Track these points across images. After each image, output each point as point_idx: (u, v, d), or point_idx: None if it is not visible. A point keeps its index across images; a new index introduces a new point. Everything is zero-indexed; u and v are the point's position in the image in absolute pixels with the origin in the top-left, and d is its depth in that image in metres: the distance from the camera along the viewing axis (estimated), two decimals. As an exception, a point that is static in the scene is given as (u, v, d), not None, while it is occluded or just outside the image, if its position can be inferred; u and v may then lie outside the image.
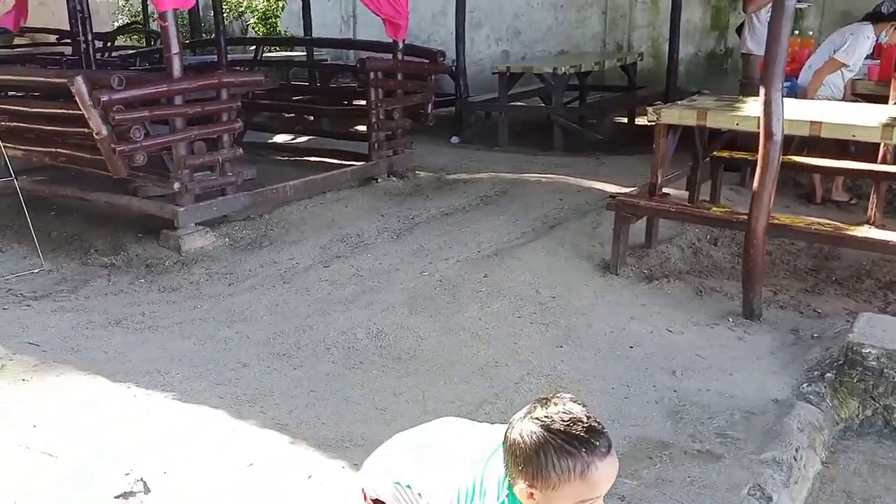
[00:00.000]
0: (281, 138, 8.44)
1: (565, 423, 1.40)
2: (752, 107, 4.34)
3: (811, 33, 7.56)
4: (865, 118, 4.20)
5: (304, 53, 10.49)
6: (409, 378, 3.36)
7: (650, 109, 4.62)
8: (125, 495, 2.50)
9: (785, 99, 3.81)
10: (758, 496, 2.48)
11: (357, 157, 6.63)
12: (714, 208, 4.71)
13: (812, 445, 2.86)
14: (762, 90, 3.67)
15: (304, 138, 8.24)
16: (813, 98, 5.71)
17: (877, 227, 4.84)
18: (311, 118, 8.31)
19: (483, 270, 4.45)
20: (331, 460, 2.72)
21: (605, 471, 1.40)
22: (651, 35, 11.44)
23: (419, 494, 1.61)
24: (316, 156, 7.20)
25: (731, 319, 3.91)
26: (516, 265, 4.52)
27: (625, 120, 9.23)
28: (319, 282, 4.44)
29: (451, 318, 3.91)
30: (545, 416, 1.41)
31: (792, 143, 5.29)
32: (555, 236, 5.01)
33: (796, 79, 5.96)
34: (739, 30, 8.11)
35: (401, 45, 6.59)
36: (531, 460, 1.39)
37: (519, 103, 8.87)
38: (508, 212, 5.61)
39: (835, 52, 5.69)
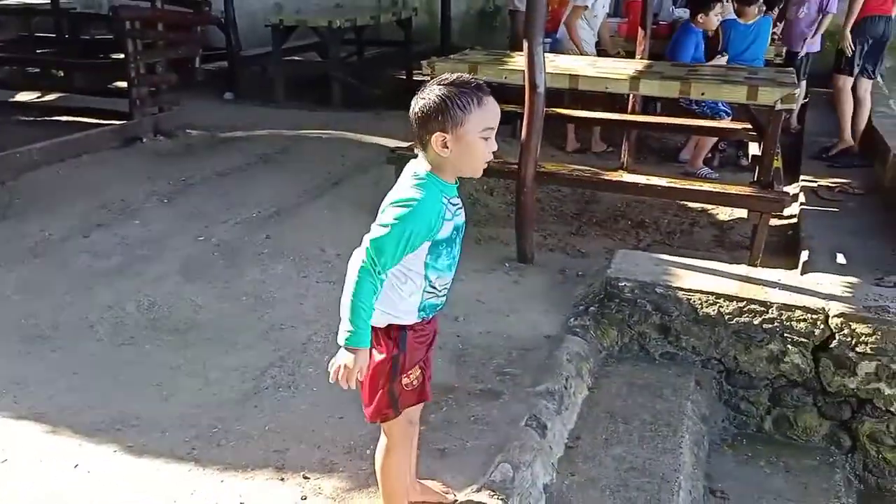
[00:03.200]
0: (25, 96, 7.48)
1: (454, 78, 1.79)
2: (519, 61, 4.54)
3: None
4: (616, 71, 4.57)
5: (48, 1, 9.32)
6: (187, 350, 3.17)
7: (425, 63, 4.69)
8: None
9: (547, 54, 4.03)
10: (534, 426, 2.65)
11: (118, 116, 6.06)
12: (488, 159, 4.90)
13: (580, 374, 3.11)
14: (525, 45, 3.83)
15: (53, 96, 7.37)
16: (578, 46, 6.10)
17: (629, 171, 5.34)
18: (61, 73, 7.44)
19: (264, 232, 4.29)
20: (100, 446, 2.50)
21: (494, 103, 1.81)
22: (424, -9, 11.58)
23: None
24: (69, 115, 6.46)
25: (507, 264, 4.12)
26: (300, 224, 4.41)
27: (403, 75, 9.29)
28: (78, 254, 4.01)
29: (232, 284, 3.73)
30: (439, 81, 1.80)
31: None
32: (338, 193, 4.95)
33: (556, 34, 6.34)
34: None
35: (160, -7, 6.08)
36: (440, 108, 1.76)
37: (295, 58, 8.59)
38: (289, 170, 5.44)
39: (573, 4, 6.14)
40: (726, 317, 3.26)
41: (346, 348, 1.84)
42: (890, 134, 5.63)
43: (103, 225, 4.39)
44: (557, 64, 4.77)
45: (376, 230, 1.80)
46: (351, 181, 5.20)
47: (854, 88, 5.96)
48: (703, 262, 3.72)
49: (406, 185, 1.83)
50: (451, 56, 5.19)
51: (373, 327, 1.88)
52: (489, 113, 1.79)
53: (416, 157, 1.88)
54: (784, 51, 6.75)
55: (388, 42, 9.97)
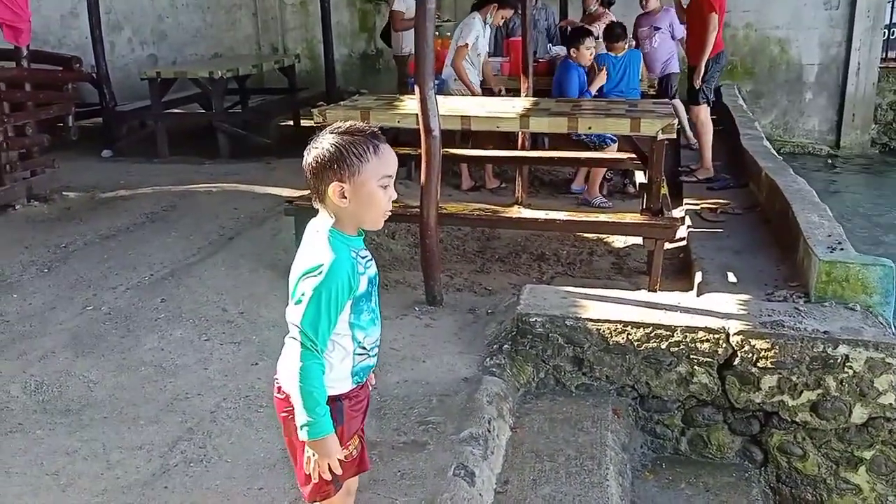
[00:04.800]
0: None
1: (348, 126, 1.76)
2: (411, 105, 4.57)
3: (449, 34, 8.20)
4: (506, 110, 4.67)
5: None
6: (83, 431, 2.93)
7: (315, 111, 4.63)
8: None
9: (438, 96, 4.07)
10: (462, 475, 2.60)
11: (-14, 183, 5.64)
12: (388, 204, 4.88)
13: (501, 415, 3.10)
14: (417, 91, 3.86)
15: None
16: (469, 87, 6.23)
17: (524, 206, 5.45)
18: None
19: (159, 295, 4.08)
20: (-7, 552, 2.26)
21: (390, 150, 1.77)
22: (304, 37, 11.58)
23: None
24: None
25: (417, 308, 4.08)
26: (196, 284, 4.22)
27: (290, 122, 9.18)
28: (-50, 337, 3.68)
29: (128, 354, 3.51)
30: (332, 129, 1.75)
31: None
32: (234, 248, 4.78)
33: (443, 75, 6.44)
34: (384, 34, 8.54)
35: (25, 52, 5.75)
36: (335, 158, 1.71)
37: (176, 110, 8.33)
38: (180, 227, 5.22)
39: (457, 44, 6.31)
40: (635, 343, 3.34)
41: (310, 443, 1.75)
42: (759, 154, 6.03)
43: (-24, 302, 4.05)
44: (449, 106, 4.83)
45: (298, 309, 1.72)
46: (247, 235, 5.04)
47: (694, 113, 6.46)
48: (607, 292, 3.82)
49: (311, 249, 1.77)
50: (342, 103, 5.17)
51: None
52: (386, 161, 1.75)
53: (315, 209, 1.82)
54: (656, 81, 7.17)
55: (272, 90, 9.86)
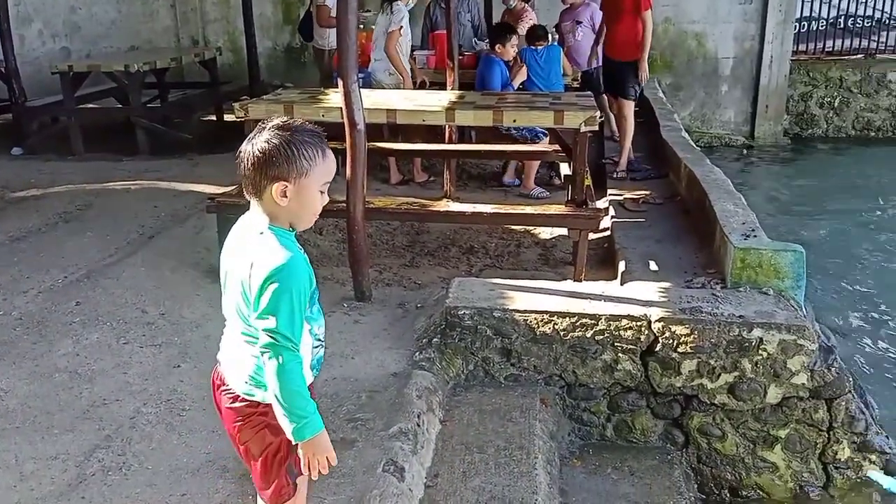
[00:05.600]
0: None
1: (299, 125, 1.72)
2: (335, 98, 4.51)
3: (374, 27, 8.11)
4: (431, 104, 4.66)
5: None
6: (-7, 444, 2.80)
7: (237, 105, 4.52)
8: None
9: (363, 90, 4.02)
10: (391, 470, 2.59)
11: None
12: (313, 199, 4.81)
13: (431, 409, 3.10)
14: (340, 84, 3.80)
15: None
16: (402, 73, 6.19)
17: (452, 200, 5.47)
18: None
19: (74, 298, 3.92)
20: None
21: (332, 155, 1.74)
22: (226, 29, 11.30)
23: None
24: None
25: (345, 304, 4.03)
26: (114, 286, 4.07)
27: (213, 117, 8.95)
28: None
29: (41, 360, 3.36)
30: (281, 125, 1.70)
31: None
32: (155, 247, 4.63)
33: (368, 69, 6.38)
34: (302, 26, 8.40)
35: (-76, 44, 5.43)
36: (285, 157, 1.66)
37: (91, 105, 8.00)
38: (96, 227, 5.02)
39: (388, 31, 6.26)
40: (561, 333, 3.39)
41: (307, 443, 1.73)
42: (678, 146, 6.20)
43: None
44: (373, 99, 4.79)
45: (270, 318, 1.66)
46: (168, 233, 4.90)
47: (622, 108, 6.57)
48: (533, 283, 3.86)
49: (262, 252, 1.70)
50: (265, 97, 5.06)
51: (271, 411, 1.76)
52: (330, 166, 1.73)
53: (239, 206, 1.78)
54: (579, 74, 7.28)
55: (193, 84, 9.59)
